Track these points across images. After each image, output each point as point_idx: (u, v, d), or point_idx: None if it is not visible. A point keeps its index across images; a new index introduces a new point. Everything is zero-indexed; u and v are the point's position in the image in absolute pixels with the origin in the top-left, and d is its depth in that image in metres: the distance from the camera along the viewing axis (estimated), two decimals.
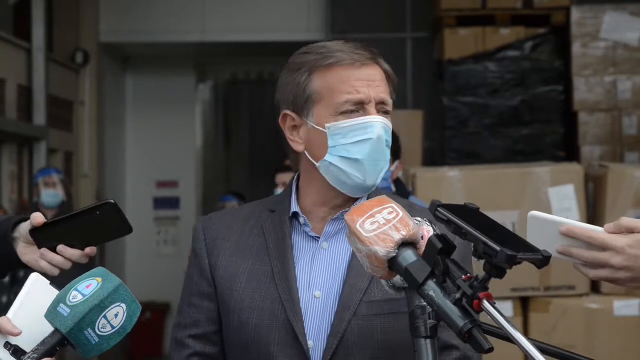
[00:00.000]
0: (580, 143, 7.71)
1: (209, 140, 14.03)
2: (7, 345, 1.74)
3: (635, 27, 7.70)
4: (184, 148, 12.33)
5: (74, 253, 2.08)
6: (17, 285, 6.74)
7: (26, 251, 2.11)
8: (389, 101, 2.09)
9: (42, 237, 2.07)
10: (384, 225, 1.70)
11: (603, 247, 1.83)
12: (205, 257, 2.13)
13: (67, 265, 2.09)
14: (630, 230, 1.83)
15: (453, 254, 1.65)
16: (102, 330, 1.73)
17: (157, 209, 12.27)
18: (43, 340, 1.73)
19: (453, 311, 1.59)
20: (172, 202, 12.22)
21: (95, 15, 10.84)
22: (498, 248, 1.56)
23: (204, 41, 10.94)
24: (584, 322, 5.29)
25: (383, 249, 1.68)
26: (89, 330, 1.72)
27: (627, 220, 1.84)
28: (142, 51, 11.97)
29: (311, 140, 2.09)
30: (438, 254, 1.63)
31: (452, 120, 7.97)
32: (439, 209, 1.69)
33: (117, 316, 1.74)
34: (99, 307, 1.72)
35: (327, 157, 2.06)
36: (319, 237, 2.10)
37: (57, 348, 1.73)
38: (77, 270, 2.23)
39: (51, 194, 7.27)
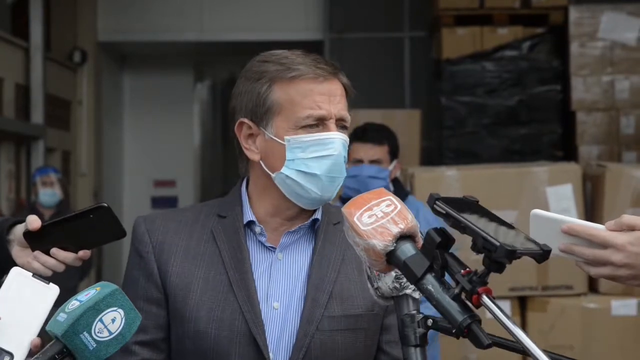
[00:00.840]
0: (578, 143, 7.71)
1: (207, 139, 14.03)
2: (2, 352, 1.74)
3: (633, 27, 7.71)
4: (182, 147, 12.33)
5: (67, 256, 2.07)
6: None
7: (21, 254, 2.10)
8: (348, 118, 2.07)
9: (36, 240, 2.07)
10: (382, 218, 1.67)
11: (604, 245, 1.83)
12: (153, 261, 2.08)
13: (61, 268, 2.08)
14: (632, 228, 1.83)
15: None
16: (99, 335, 1.72)
17: (155, 208, 12.26)
18: (44, 350, 1.73)
19: (452, 306, 1.57)
20: (170, 202, 12.21)
21: (93, 15, 10.84)
22: (497, 243, 1.54)
23: (202, 40, 10.94)
24: (582, 321, 5.29)
25: (381, 242, 1.65)
26: (85, 334, 1.71)
27: (628, 218, 1.84)
28: (140, 50, 11.97)
29: (268, 151, 2.06)
30: (437, 248, 1.62)
31: (449, 120, 7.97)
32: (437, 202, 1.66)
33: (114, 321, 1.73)
34: (93, 309, 1.71)
35: (284, 170, 2.03)
36: (274, 248, 2.07)
37: (57, 356, 1.73)
38: (71, 270, 2.23)
39: (49, 194, 7.27)
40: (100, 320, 1.72)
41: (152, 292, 2.08)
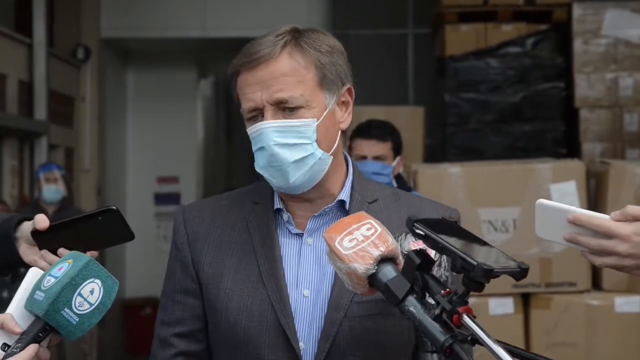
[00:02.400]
0: (582, 140, 7.71)
1: (210, 136, 14.03)
2: (5, 346, 1.74)
3: (637, 24, 7.69)
4: (185, 144, 12.33)
5: None
6: (18, 281, 6.74)
7: (28, 252, 2.10)
8: (289, 98, 1.98)
9: (44, 239, 2.07)
10: (363, 242, 1.70)
11: (609, 235, 1.84)
12: (187, 252, 2.08)
13: None
14: (637, 218, 1.83)
15: None
16: (80, 308, 1.72)
17: (158, 204, 12.27)
18: (26, 330, 1.73)
19: (434, 327, 1.60)
20: (173, 198, 12.22)
21: (96, 11, 10.84)
22: (475, 263, 1.56)
23: (205, 37, 10.93)
24: (585, 318, 5.29)
25: (362, 266, 1.68)
26: (67, 310, 1.71)
27: (633, 208, 1.85)
28: (144, 47, 11.97)
29: None
30: (417, 269, 1.64)
31: (453, 117, 7.96)
32: (415, 224, 1.68)
33: (93, 293, 1.73)
34: (70, 284, 1.71)
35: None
36: (302, 234, 2.05)
37: (40, 334, 1.73)
38: None
39: (53, 190, 7.28)
40: (79, 294, 1.72)
41: (187, 284, 2.07)
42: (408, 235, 1.82)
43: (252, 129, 2.00)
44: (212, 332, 2.06)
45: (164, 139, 12.16)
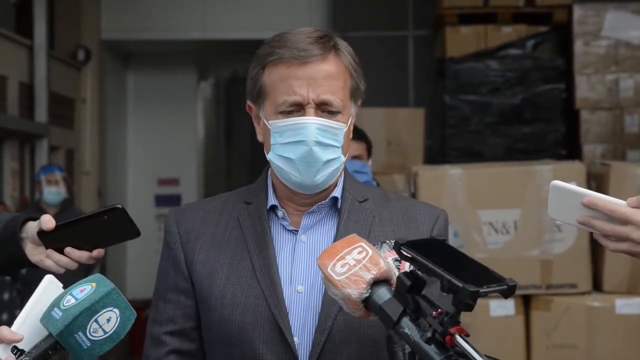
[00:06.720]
0: (582, 141, 7.71)
1: (210, 137, 14.04)
2: (14, 349, 1.74)
3: (637, 26, 7.70)
4: (185, 145, 12.34)
5: (81, 255, 2.09)
6: (18, 282, 6.74)
7: (34, 252, 2.11)
8: (334, 101, 2.03)
9: (50, 238, 2.07)
10: (355, 266, 1.71)
11: (624, 221, 1.84)
12: (180, 252, 2.10)
13: (74, 266, 2.10)
14: None
15: None
16: (93, 335, 1.72)
17: (158, 206, 12.27)
18: (36, 344, 1.73)
19: (429, 348, 1.61)
20: (174, 200, 12.22)
21: (96, 13, 10.85)
22: (461, 285, 1.57)
23: (206, 39, 10.94)
24: (586, 320, 5.29)
25: (356, 291, 1.70)
26: (80, 334, 1.71)
27: None
28: (144, 49, 11.98)
29: (264, 133, 2.08)
30: (408, 292, 1.64)
31: (453, 119, 7.97)
32: (402, 247, 1.69)
33: (109, 321, 1.73)
34: (90, 310, 1.71)
35: (270, 155, 2.05)
36: (297, 231, 2.08)
37: (50, 352, 1.73)
38: (81, 270, 2.24)
39: (54, 192, 7.28)
40: (96, 320, 1.72)
41: (179, 282, 2.10)
42: (384, 245, 1.84)
43: (293, 121, 2.02)
44: (205, 330, 2.08)
45: (165, 140, 12.17)
